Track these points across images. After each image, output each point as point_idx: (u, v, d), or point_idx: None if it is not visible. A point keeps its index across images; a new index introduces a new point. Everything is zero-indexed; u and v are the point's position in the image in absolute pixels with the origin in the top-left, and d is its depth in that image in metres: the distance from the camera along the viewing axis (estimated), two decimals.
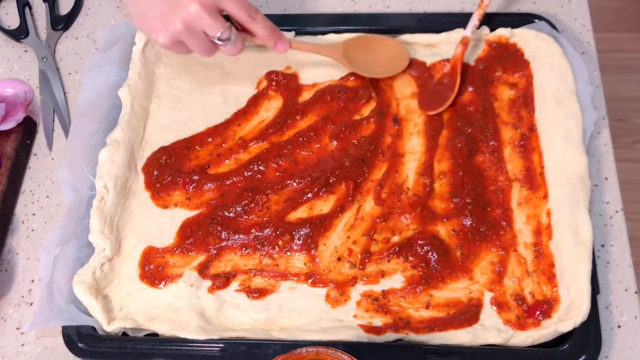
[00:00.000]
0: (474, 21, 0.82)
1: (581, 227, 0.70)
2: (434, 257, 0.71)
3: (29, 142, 0.85)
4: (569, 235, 0.70)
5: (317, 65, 0.85)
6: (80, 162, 0.78)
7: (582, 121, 0.76)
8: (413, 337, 0.68)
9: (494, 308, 0.69)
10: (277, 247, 0.73)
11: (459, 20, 0.86)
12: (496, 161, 0.77)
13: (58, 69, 0.91)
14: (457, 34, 0.84)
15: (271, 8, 0.93)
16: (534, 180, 0.75)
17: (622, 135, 1.72)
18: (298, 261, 0.73)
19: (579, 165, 0.73)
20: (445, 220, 0.74)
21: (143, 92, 0.84)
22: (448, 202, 0.75)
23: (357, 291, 0.71)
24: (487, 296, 0.70)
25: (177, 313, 0.71)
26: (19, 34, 0.93)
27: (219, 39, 0.72)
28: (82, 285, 0.70)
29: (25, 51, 0.93)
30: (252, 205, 0.76)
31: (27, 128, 0.85)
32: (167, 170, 0.79)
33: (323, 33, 0.87)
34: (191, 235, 0.75)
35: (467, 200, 0.74)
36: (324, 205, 0.76)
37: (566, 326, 0.65)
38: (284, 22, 0.87)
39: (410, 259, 0.72)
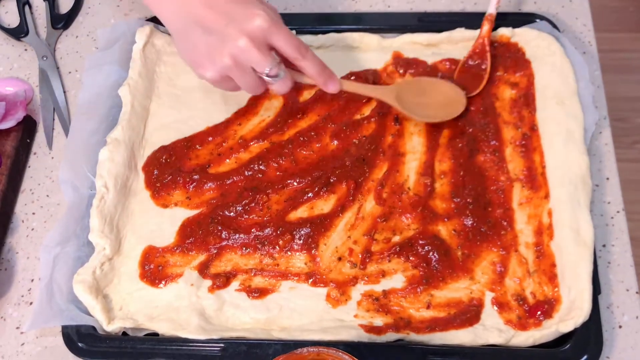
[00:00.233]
0: None
1: (582, 227, 0.70)
2: (434, 257, 0.71)
3: (28, 141, 0.85)
4: (570, 235, 0.69)
5: None
6: (80, 161, 0.78)
7: (584, 121, 0.76)
8: (414, 337, 0.68)
9: (495, 308, 0.69)
10: (277, 247, 0.73)
11: (460, 19, 0.86)
12: (497, 161, 0.77)
13: (58, 68, 0.91)
14: (458, 33, 0.84)
15: None
16: (535, 180, 0.75)
17: (623, 135, 1.72)
18: (299, 261, 0.73)
19: (580, 165, 0.73)
20: (446, 220, 0.74)
21: (143, 91, 0.83)
22: (449, 201, 0.75)
23: (357, 291, 0.71)
24: (488, 296, 0.70)
25: (177, 313, 0.71)
26: (19, 32, 0.93)
27: (267, 75, 0.70)
28: (82, 284, 0.70)
29: (25, 50, 0.93)
30: (253, 204, 0.76)
31: (27, 127, 0.85)
32: (168, 170, 0.79)
33: (324, 32, 0.87)
34: (191, 235, 0.75)
35: (468, 200, 0.74)
36: (324, 205, 0.76)
37: (567, 326, 0.65)
38: (284, 21, 0.87)
39: (411, 258, 0.72)
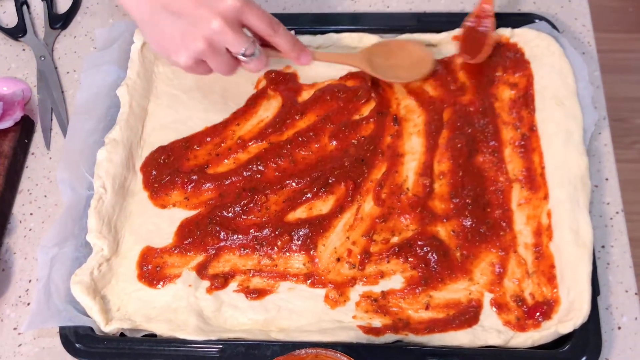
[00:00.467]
0: None
1: (581, 228, 0.69)
2: (433, 257, 0.71)
3: (26, 141, 0.85)
4: (570, 236, 0.69)
5: (317, 65, 0.84)
6: (78, 162, 0.78)
7: (583, 121, 0.76)
8: (412, 338, 0.67)
9: (494, 309, 0.69)
10: (276, 248, 0.73)
11: (459, 19, 0.85)
12: (496, 161, 0.77)
13: (56, 68, 0.90)
14: (457, 34, 0.84)
15: (270, 7, 0.93)
16: (534, 180, 0.75)
17: (622, 135, 1.72)
18: (297, 262, 0.73)
19: (580, 166, 0.73)
20: (445, 220, 0.74)
21: (142, 91, 0.83)
22: (448, 202, 0.75)
23: (356, 292, 0.71)
24: (487, 297, 0.69)
25: (176, 313, 0.70)
26: (17, 32, 0.92)
27: (243, 55, 0.69)
28: (79, 285, 0.70)
29: (23, 50, 0.93)
30: (251, 205, 0.75)
31: (25, 127, 0.84)
32: (166, 170, 0.79)
33: (322, 32, 0.87)
34: (189, 236, 0.75)
35: (467, 200, 0.74)
36: (323, 206, 0.76)
37: (566, 327, 0.65)
38: (283, 21, 0.86)
39: (409, 259, 0.71)
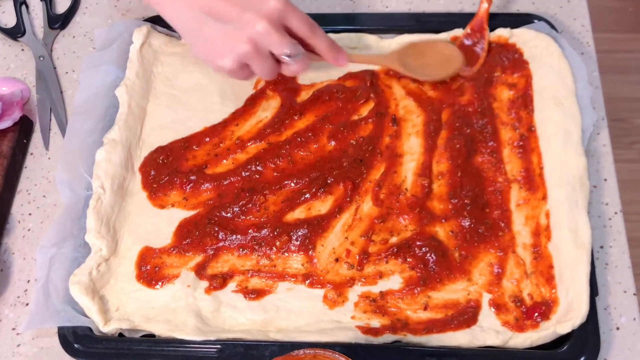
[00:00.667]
0: None
1: (580, 228, 0.69)
2: (432, 258, 0.71)
3: (25, 141, 0.85)
4: (568, 236, 0.69)
5: (316, 65, 0.84)
6: (77, 162, 0.78)
7: (582, 122, 0.76)
8: (411, 338, 0.67)
9: (493, 309, 0.69)
10: (274, 248, 0.73)
11: (458, 20, 0.86)
12: (495, 162, 0.77)
13: (55, 68, 0.90)
14: (456, 34, 0.84)
15: None
16: (532, 181, 0.75)
17: (621, 135, 1.72)
18: (296, 262, 0.73)
19: (578, 166, 0.73)
20: (443, 221, 0.74)
21: (140, 91, 0.83)
22: (446, 203, 0.75)
23: (354, 292, 0.71)
24: (486, 297, 0.70)
25: (174, 314, 0.70)
26: (16, 32, 0.92)
27: (287, 56, 0.70)
28: (78, 285, 0.70)
29: (22, 50, 0.93)
30: (250, 205, 0.75)
31: (24, 127, 0.84)
32: (165, 170, 0.79)
33: None
34: (188, 236, 0.74)
35: (466, 201, 0.74)
36: (321, 206, 0.76)
37: (565, 328, 0.65)
38: None
39: (408, 260, 0.71)
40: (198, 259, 0.74)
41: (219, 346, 0.67)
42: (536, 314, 0.67)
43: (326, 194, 0.76)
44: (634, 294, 0.71)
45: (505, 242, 0.72)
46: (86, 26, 0.94)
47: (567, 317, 0.66)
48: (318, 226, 0.74)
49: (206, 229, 0.74)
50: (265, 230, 0.74)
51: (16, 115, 0.83)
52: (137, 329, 0.70)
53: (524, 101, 0.80)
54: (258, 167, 0.78)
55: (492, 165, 0.77)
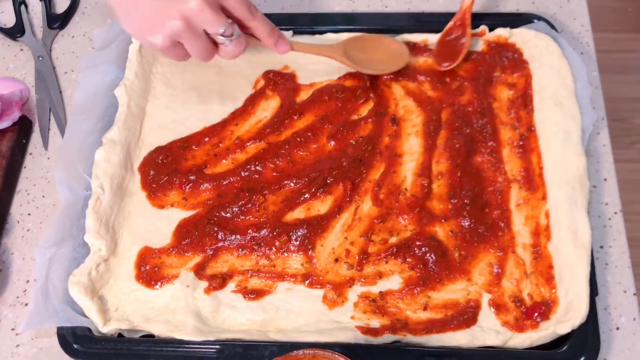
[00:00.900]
0: None
1: (580, 228, 0.69)
2: (431, 258, 0.71)
3: (24, 141, 0.85)
4: (568, 236, 0.69)
5: (315, 65, 0.85)
6: (76, 162, 0.78)
7: (581, 122, 0.76)
8: (411, 338, 0.67)
9: (492, 310, 0.69)
10: (274, 248, 0.73)
11: None
12: (495, 162, 0.77)
13: (54, 68, 0.90)
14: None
15: (269, 7, 0.93)
16: (532, 181, 0.75)
17: (621, 135, 1.72)
18: (295, 262, 0.73)
19: (578, 166, 0.73)
20: (443, 221, 0.74)
21: (140, 91, 0.83)
22: (446, 202, 0.75)
23: (354, 292, 0.71)
24: (485, 298, 0.69)
25: (173, 314, 0.70)
26: (15, 32, 0.92)
27: (222, 36, 0.68)
28: (77, 285, 0.70)
29: (21, 50, 0.93)
30: (249, 205, 0.75)
31: (23, 127, 0.84)
32: (164, 170, 0.79)
33: (321, 32, 0.87)
34: (187, 236, 0.74)
35: (466, 201, 0.74)
36: (321, 206, 0.76)
37: (564, 328, 0.65)
38: (281, 21, 0.87)
39: (408, 260, 0.71)
40: (197, 259, 0.73)
41: (218, 346, 0.67)
42: (536, 314, 0.67)
43: (326, 194, 0.76)
44: (634, 294, 0.71)
45: (505, 242, 0.72)
46: (85, 26, 0.94)
47: (566, 317, 0.65)
48: (317, 226, 0.74)
49: (205, 229, 0.74)
50: (265, 230, 0.74)
51: (15, 115, 0.82)
52: (137, 329, 0.70)
53: (524, 101, 0.80)
54: (257, 167, 0.78)
55: (492, 165, 0.77)
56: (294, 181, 0.77)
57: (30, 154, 0.84)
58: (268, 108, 0.83)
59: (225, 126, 0.82)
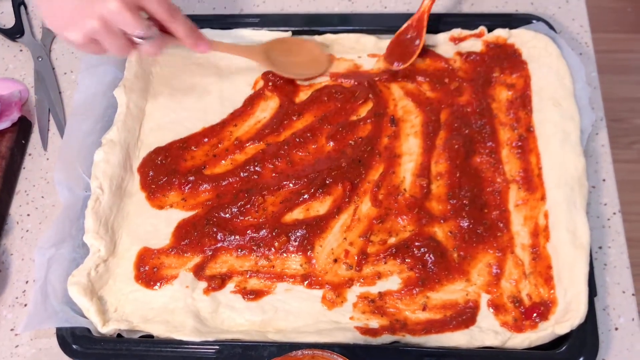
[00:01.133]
0: None
1: (579, 228, 0.69)
2: (430, 258, 0.71)
3: (23, 142, 0.85)
4: (567, 237, 0.69)
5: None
6: (76, 162, 0.78)
7: (580, 122, 0.76)
8: (409, 339, 0.67)
9: (491, 310, 0.69)
10: (273, 249, 0.73)
11: (456, 20, 0.86)
12: (493, 162, 0.77)
13: (53, 69, 0.90)
14: (455, 34, 0.84)
15: (268, 7, 0.93)
16: (531, 181, 0.75)
17: (620, 135, 1.72)
18: (294, 262, 0.73)
19: (577, 167, 0.73)
20: (442, 221, 0.74)
21: (139, 92, 0.83)
22: (445, 203, 0.75)
23: (353, 293, 0.71)
24: (484, 298, 0.69)
25: (173, 315, 0.70)
26: (15, 33, 0.92)
27: (140, 37, 0.69)
28: (76, 286, 0.70)
29: (21, 50, 0.93)
30: (248, 206, 0.75)
31: (22, 128, 0.84)
32: (163, 171, 0.79)
33: (320, 33, 0.87)
34: (187, 236, 0.74)
35: (464, 201, 0.74)
36: (320, 207, 0.76)
37: (563, 328, 0.65)
38: (281, 22, 0.87)
39: (406, 260, 0.71)
40: (196, 259, 0.73)
41: (217, 347, 0.67)
42: (535, 315, 0.67)
43: (325, 194, 0.76)
44: (633, 295, 0.71)
45: (503, 243, 0.72)
46: None
47: (565, 318, 0.66)
48: (316, 227, 0.74)
49: (205, 229, 0.74)
50: (264, 231, 0.74)
51: (15, 116, 0.83)
52: (136, 329, 0.70)
53: (523, 101, 0.80)
54: (256, 168, 0.78)
55: (491, 165, 0.77)
56: (293, 182, 0.77)
57: (30, 154, 0.84)
58: (267, 109, 0.83)
59: (225, 127, 0.82)
